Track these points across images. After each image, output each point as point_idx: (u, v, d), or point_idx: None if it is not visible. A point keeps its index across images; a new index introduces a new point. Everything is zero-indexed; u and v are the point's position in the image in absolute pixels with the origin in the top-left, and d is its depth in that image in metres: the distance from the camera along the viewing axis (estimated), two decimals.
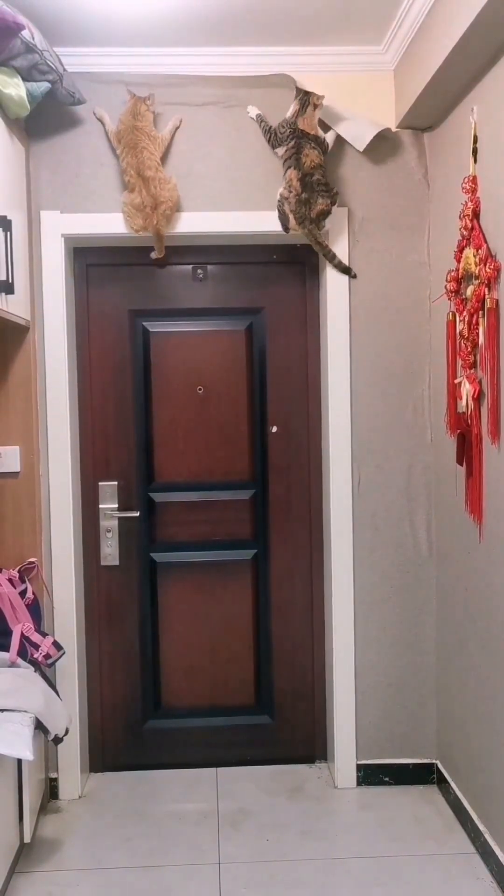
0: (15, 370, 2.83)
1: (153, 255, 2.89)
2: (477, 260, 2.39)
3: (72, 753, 2.93)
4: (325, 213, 2.74)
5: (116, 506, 3.11)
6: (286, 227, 2.80)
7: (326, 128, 2.80)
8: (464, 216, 2.48)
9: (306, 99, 2.71)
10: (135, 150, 2.75)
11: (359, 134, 2.81)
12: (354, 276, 2.90)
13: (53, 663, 2.62)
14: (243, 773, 3.10)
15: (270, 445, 3.15)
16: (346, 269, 2.88)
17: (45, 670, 2.59)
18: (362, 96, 2.86)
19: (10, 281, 2.46)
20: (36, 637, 2.55)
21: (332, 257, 2.86)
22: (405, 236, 2.92)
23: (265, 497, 3.17)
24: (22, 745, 2.20)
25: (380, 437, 2.96)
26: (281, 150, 2.79)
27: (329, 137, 2.79)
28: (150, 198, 2.75)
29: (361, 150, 2.83)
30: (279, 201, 2.78)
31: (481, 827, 2.54)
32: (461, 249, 2.52)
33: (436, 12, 2.38)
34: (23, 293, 2.70)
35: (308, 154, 2.71)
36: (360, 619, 2.98)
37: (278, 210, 2.79)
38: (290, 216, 2.75)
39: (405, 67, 2.74)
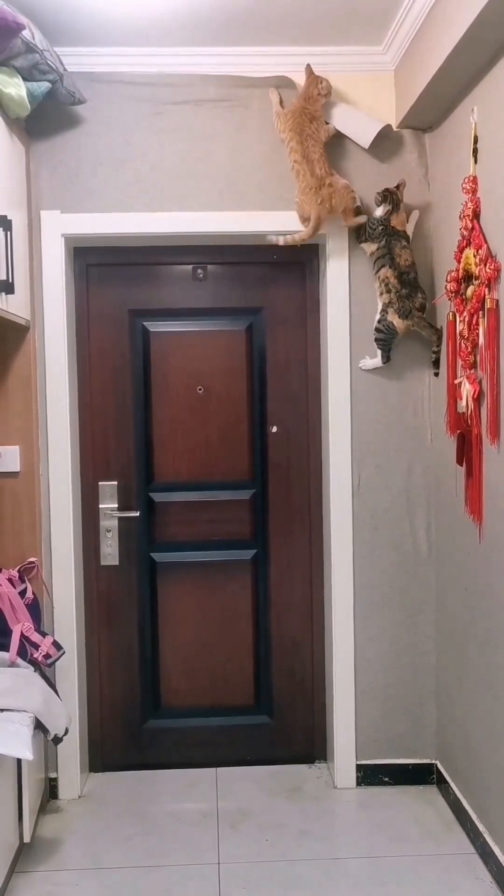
0: (15, 370, 2.83)
1: (281, 240, 2.81)
2: (477, 260, 2.39)
3: (71, 753, 2.93)
4: (424, 306, 2.80)
5: (116, 506, 3.11)
6: (394, 335, 2.81)
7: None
8: (464, 216, 2.48)
9: (394, 198, 2.75)
10: (301, 135, 2.74)
11: (363, 131, 2.81)
12: (437, 374, 2.87)
13: (53, 663, 2.61)
14: (243, 773, 3.10)
15: (270, 445, 3.15)
16: (436, 362, 2.86)
17: (45, 670, 2.59)
18: (362, 96, 2.86)
19: (10, 281, 2.46)
20: (35, 637, 2.55)
21: (438, 344, 2.83)
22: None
23: (265, 497, 3.17)
24: (21, 745, 2.20)
25: (380, 437, 2.96)
26: (370, 247, 2.80)
27: (409, 227, 2.82)
28: (314, 179, 2.74)
29: (367, 147, 2.82)
30: (381, 313, 2.80)
31: (481, 827, 2.54)
32: (461, 249, 2.52)
33: (436, 12, 2.38)
34: (23, 293, 2.70)
35: (400, 254, 2.77)
36: (359, 619, 2.98)
37: (382, 330, 2.80)
38: (395, 319, 2.77)
39: (405, 68, 2.74)
